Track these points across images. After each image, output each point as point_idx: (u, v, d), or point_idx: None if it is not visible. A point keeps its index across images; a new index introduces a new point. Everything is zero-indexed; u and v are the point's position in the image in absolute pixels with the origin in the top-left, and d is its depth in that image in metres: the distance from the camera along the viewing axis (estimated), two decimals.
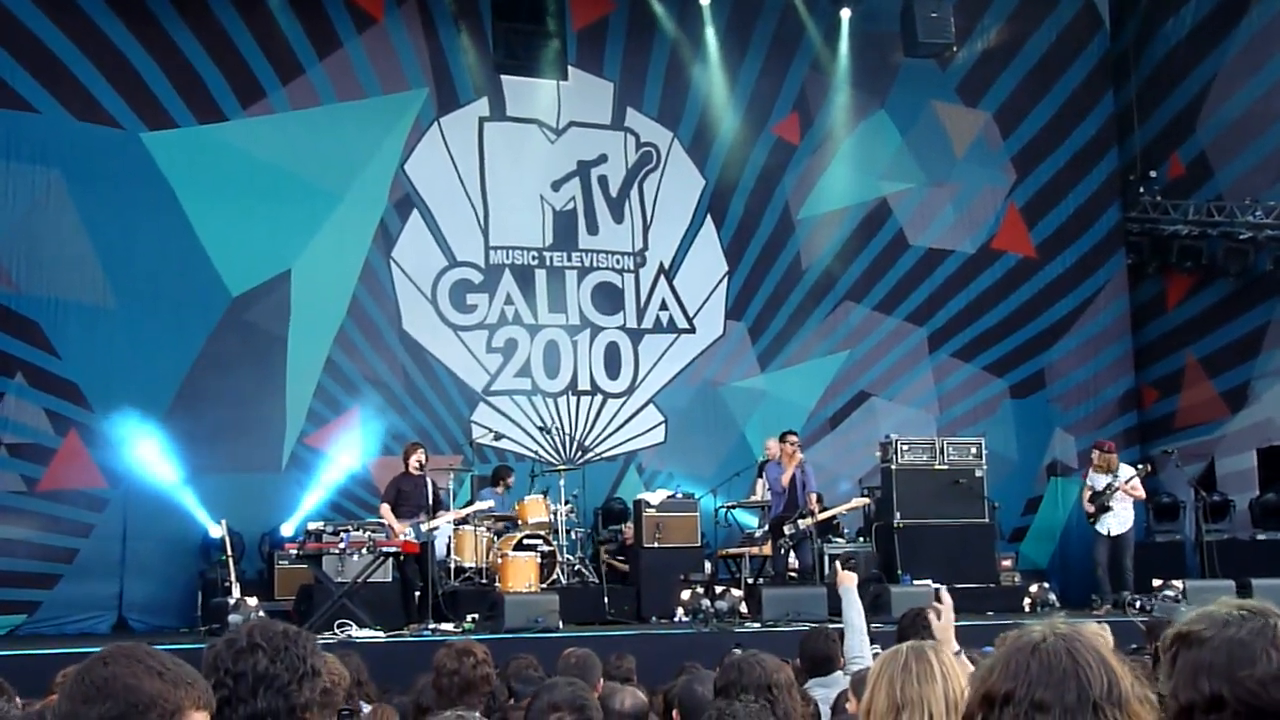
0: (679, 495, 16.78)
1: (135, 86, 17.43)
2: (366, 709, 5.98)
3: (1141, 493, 15.98)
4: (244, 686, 3.16)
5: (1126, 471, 15.95)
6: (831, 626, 10.50)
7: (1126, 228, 21.63)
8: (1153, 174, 21.22)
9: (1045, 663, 2.27)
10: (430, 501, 14.27)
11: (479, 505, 15.09)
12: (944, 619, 5.23)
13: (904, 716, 3.56)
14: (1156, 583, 14.79)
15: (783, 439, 15.84)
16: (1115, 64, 22.06)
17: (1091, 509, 16.24)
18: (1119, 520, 15.71)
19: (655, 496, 16.57)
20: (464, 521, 15.36)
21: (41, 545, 16.27)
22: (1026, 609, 14.93)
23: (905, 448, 16.70)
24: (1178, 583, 14.64)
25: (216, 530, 14.48)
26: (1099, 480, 16.15)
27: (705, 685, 5.90)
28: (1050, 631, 2.36)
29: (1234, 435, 20.30)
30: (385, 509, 14.24)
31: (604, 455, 19.22)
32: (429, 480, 14.46)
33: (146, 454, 16.81)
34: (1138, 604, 14.19)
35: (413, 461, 14.35)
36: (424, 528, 13.80)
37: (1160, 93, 21.43)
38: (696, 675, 6.45)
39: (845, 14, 20.36)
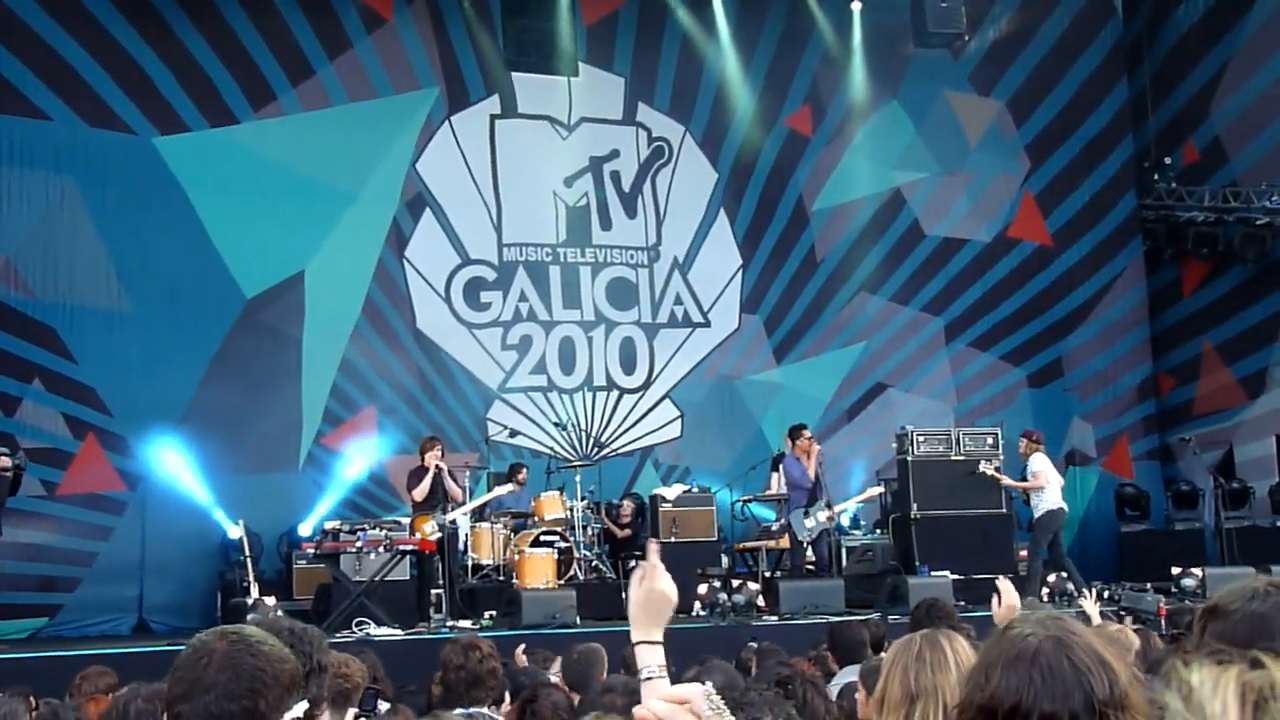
0: (695, 489, 16.81)
1: (146, 91, 17.50)
2: (384, 707, 5.99)
3: (1043, 482, 15.61)
4: None
5: (1033, 463, 15.70)
6: (855, 619, 10.58)
7: (1142, 214, 21.59)
8: (1167, 160, 21.21)
9: (1047, 672, 2.25)
10: (447, 494, 14.26)
11: (498, 491, 15.09)
12: (1004, 608, 5.30)
13: (918, 706, 3.57)
14: (1176, 570, 14.75)
15: (793, 436, 15.77)
16: (1128, 50, 22.04)
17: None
18: (1034, 508, 15.54)
19: (672, 491, 16.61)
20: (482, 516, 15.35)
21: (61, 549, 16.37)
22: (1045, 599, 14.89)
23: (921, 439, 16.65)
24: (1197, 570, 14.63)
25: (234, 531, 14.53)
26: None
27: (713, 676, 5.91)
28: (1044, 633, 2.33)
29: (1252, 422, 20.28)
30: (417, 492, 14.20)
31: (620, 451, 19.25)
32: (445, 473, 14.45)
33: (164, 456, 16.92)
34: (1105, 594, 14.07)
35: (429, 456, 14.35)
36: (445, 519, 13.80)
37: (1173, 78, 21.40)
38: (714, 667, 6.46)
39: (856, 5, 20.36)
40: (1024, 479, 15.92)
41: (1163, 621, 9.18)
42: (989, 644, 2.40)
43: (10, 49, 16.78)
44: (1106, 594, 13.86)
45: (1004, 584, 5.60)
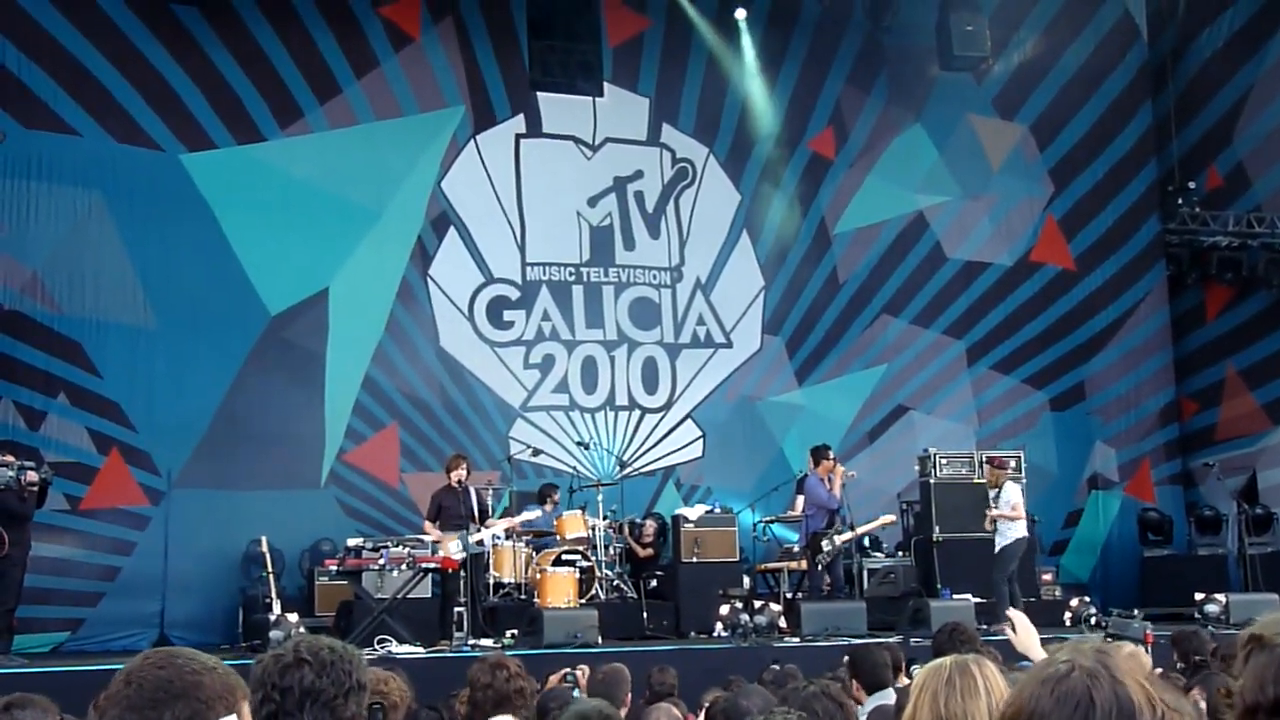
0: (717, 510, 16.75)
1: (174, 108, 17.59)
2: None
3: (1019, 515, 15.30)
4: (290, 701, 3.18)
5: (1009, 494, 15.40)
6: (873, 641, 10.53)
7: (1165, 239, 21.54)
8: (1191, 185, 21.17)
9: (1084, 706, 2.21)
10: (475, 512, 14.24)
11: (526, 515, 15.05)
12: (1021, 635, 5.29)
13: None
14: (1199, 596, 14.67)
15: (817, 457, 15.74)
16: (1153, 74, 21.99)
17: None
18: (1001, 537, 15.26)
19: (694, 511, 16.56)
20: (508, 535, 15.33)
21: (84, 563, 16.40)
22: (1067, 623, 14.81)
23: (944, 461, 16.62)
24: (1220, 596, 14.54)
25: (257, 547, 14.49)
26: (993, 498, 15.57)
27: (750, 699, 5.89)
28: (1082, 665, 2.29)
29: (1276, 447, 20.21)
30: (429, 526, 14.21)
31: (642, 470, 19.21)
32: (472, 491, 14.43)
33: (187, 472, 16.94)
34: (1093, 619, 13.89)
35: (455, 474, 14.33)
36: (471, 539, 13.78)
37: (1197, 103, 21.36)
38: (741, 690, 6.44)
39: (880, 31, 20.35)
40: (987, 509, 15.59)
41: (1173, 652, 9.10)
42: (1027, 675, 2.36)
43: (40, 65, 16.89)
44: (1094, 620, 13.80)
45: (1016, 614, 5.58)
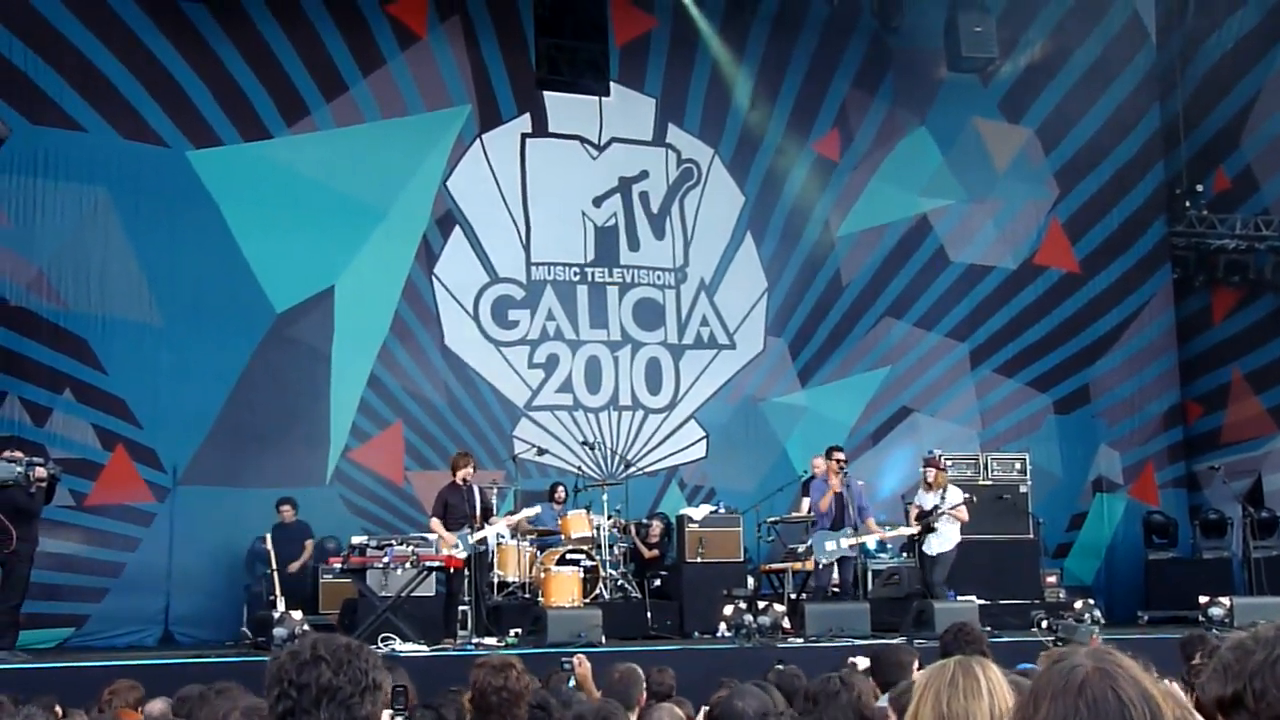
0: (722, 510, 16.77)
1: (181, 105, 17.58)
2: None
3: (966, 516, 15.23)
4: (307, 698, 3.19)
5: (955, 495, 15.41)
6: (879, 643, 10.56)
7: (1172, 242, 21.53)
8: (1199, 188, 21.14)
9: (1094, 701, 2.26)
10: (480, 511, 14.25)
11: (527, 512, 15.05)
12: None
13: None
14: (1203, 600, 14.69)
15: (828, 455, 15.79)
16: (1160, 77, 21.95)
17: (918, 528, 15.75)
18: (941, 539, 15.21)
19: (698, 512, 16.57)
20: (512, 533, 15.34)
21: (89, 559, 16.41)
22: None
23: (949, 463, 16.60)
24: (1225, 600, 14.54)
25: (262, 544, 14.53)
26: (926, 500, 15.50)
27: (745, 700, 5.93)
28: (1092, 664, 2.35)
29: None
30: (435, 523, 14.18)
31: (646, 470, 19.22)
32: (477, 490, 14.45)
33: (192, 469, 16.99)
34: (1044, 623, 13.94)
35: (461, 473, 14.34)
36: (472, 538, 13.81)
37: (1206, 106, 21.33)
38: (736, 691, 6.47)
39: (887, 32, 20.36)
40: (932, 512, 15.38)
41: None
42: (1039, 673, 2.41)
43: (47, 61, 16.89)
44: (1045, 623, 13.79)
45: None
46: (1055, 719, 2.27)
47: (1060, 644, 8.91)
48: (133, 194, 17.24)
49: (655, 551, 17.07)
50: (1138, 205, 21.61)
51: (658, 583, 16.55)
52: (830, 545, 15.18)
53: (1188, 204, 21.12)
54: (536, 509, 15.23)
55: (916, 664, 8.17)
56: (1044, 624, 13.76)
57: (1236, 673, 2.51)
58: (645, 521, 17.52)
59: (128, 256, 17.17)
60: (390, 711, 5.52)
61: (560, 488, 16.94)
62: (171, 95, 17.54)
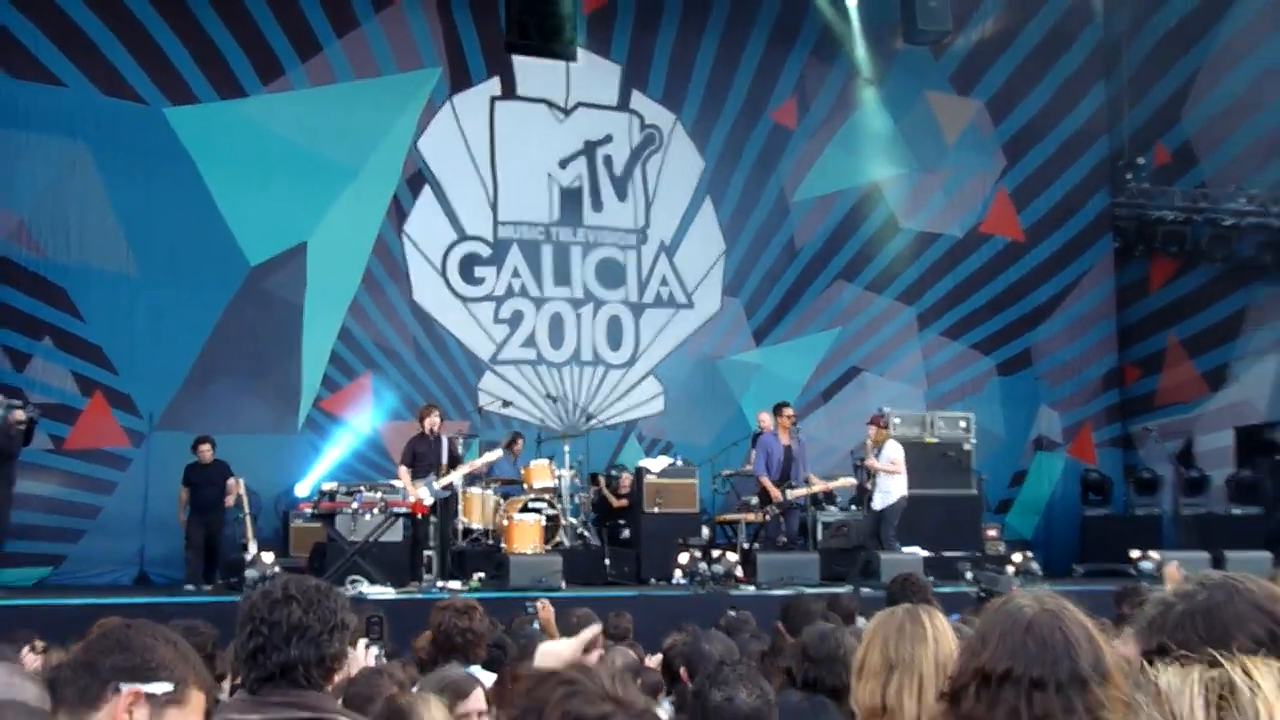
0: (679, 463, 16.81)
1: (159, 62, 17.44)
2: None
3: (901, 470, 15.23)
4: (278, 635, 3.23)
5: (890, 450, 15.53)
6: (809, 592, 10.68)
7: (1114, 213, 21.70)
8: (1140, 161, 21.27)
9: (1041, 641, 2.31)
10: (447, 460, 14.26)
11: (488, 457, 15.04)
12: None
13: (896, 674, 3.61)
14: (1134, 553, 14.83)
15: (777, 411, 15.85)
16: (1106, 54, 22.03)
17: (854, 481, 15.75)
18: (882, 494, 15.30)
19: (656, 464, 16.59)
20: (475, 480, 15.33)
21: (67, 501, 16.37)
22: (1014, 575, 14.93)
23: (897, 421, 16.68)
24: (1155, 554, 14.69)
25: (232, 486, 14.48)
26: (870, 457, 15.55)
27: (710, 644, 5.99)
28: (1039, 606, 2.40)
29: (1212, 414, 20.38)
30: (403, 470, 14.22)
31: (606, 423, 19.24)
32: (445, 440, 14.45)
33: (168, 415, 16.94)
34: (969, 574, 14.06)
35: (428, 423, 14.35)
36: (437, 485, 13.82)
37: (1148, 82, 21.41)
38: (699, 635, 6.53)
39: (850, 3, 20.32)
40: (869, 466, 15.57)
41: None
42: (987, 614, 2.46)
43: (29, 16, 16.71)
44: (970, 575, 13.92)
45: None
46: (1003, 655, 2.32)
47: (984, 594, 9.03)
48: (111, 148, 17.09)
49: (625, 502, 17.07)
50: (1081, 177, 21.73)
51: (626, 532, 16.57)
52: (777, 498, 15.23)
53: (1129, 177, 21.27)
54: (497, 453, 15.20)
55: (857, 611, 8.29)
56: (969, 575, 13.90)
57: (1159, 625, 2.59)
58: (614, 473, 17.56)
59: (106, 209, 17.04)
60: (366, 640, 5.59)
61: (520, 438, 16.91)
62: (150, 53, 17.38)
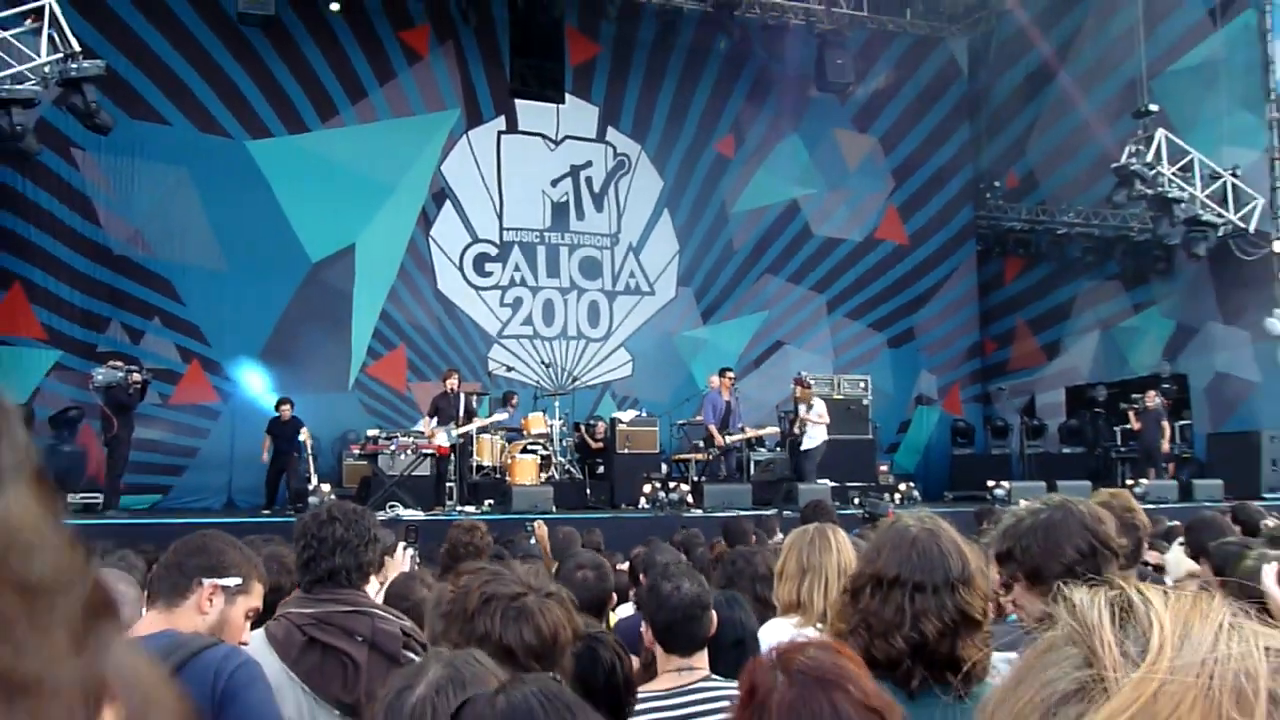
0: (644, 415, 16.81)
1: (242, 106, 17.33)
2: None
3: (827, 420, 15.13)
4: (325, 548, 3.23)
5: (820, 406, 15.36)
6: (744, 514, 10.69)
7: (976, 223, 21.77)
8: (996, 184, 21.38)
9: (921, 552, 2.32)
10: (463, 413, 14.23)
11: (497, 417, 15.01)
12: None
13: (808, 577, 3.63)
14: (990, 483, 14.93)
15: (721, 374, 15.85)
16: (970, 103, 22.09)
17: (795, 431, 15.78)
18: (810, 438, 15.25)
19: (626, 415, 16.58)
20: (485, 430, 15.30)
21: (173, 444, 16.34)
22: (897, 502, 14.99)
23: (813, 381, 16.69)
24: (1006, 484, 14.79)
25: (302, 434, 14.42)
26: (801, 409, 15.34)
27: (663, 553, 5.99)
28: (921, 525, 2.40)
29: (1049, 377, 20.63)
30: (425, 421, 14.21)
31: (587, 384, 19.24)
32: (462, 396, 14.41)
33: (248, 378, 16.88)
34: (856, 500, 14.03)
35: (449, 383, 14.31)
36: (455, 432, 13.79)
37: (1002, 124, 21.58)
38: (656, 546, 6.54)
39: (772, 61, 20.24)
40: (799, 418, 15.35)
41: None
42: (880, 531, 2.47)
43: (141, 70, 16.61)
44: (857, 500, 13.90)
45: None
46: (892, 564, 2.33)
47: (868, 515, 9.05)
48: (205, 173, 16.98)
49: (600, 444, 17.03)
50: (952, 195, 21.76)
51: (602, 468, 16.55)
52: (719, 442, 15.21)
53: (988, 195, 21.41)
54: (505, 414, 15.17)
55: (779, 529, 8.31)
56: (857, 501, 13.97)
57: (1010, 534, 2.62)
58: (593, 423, 17.55)
59: (201, 219, 16.95)
60: (404, 543, 5.56)
61: (515, 395, 16.85)
62: (234, 98, 17.28)
